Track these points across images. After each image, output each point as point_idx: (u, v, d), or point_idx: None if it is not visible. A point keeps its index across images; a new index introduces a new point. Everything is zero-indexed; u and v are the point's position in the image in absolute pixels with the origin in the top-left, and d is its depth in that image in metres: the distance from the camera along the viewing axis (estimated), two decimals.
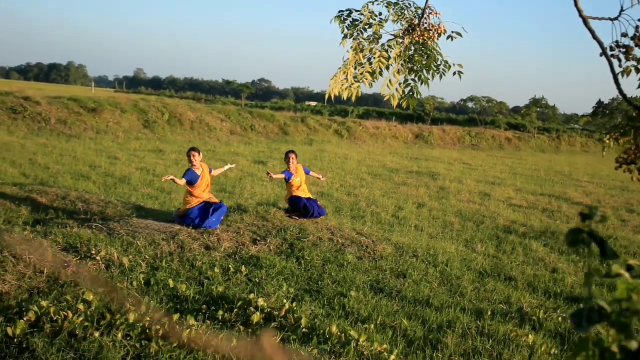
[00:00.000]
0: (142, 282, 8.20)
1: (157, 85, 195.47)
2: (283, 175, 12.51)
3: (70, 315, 6.50)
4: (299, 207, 12.37)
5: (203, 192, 11.39)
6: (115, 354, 6.01)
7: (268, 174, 12.22)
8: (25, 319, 6.41)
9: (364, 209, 16.58)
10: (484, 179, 26.92)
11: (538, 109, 69.17)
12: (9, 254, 8.26)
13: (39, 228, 9.95)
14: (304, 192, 12.63)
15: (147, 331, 6.50)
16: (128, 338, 6.35)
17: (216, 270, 8.99)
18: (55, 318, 6.46)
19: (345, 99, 5.86)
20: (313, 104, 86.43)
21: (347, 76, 5.79)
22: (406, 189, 21.20)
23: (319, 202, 12.96)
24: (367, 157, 32.49)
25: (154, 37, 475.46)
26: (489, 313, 8.59)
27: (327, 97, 5.91)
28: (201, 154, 11.63)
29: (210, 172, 11.74)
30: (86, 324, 6.44)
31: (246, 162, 24.94)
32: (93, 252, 8.75)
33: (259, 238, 10.69)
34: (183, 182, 11.17)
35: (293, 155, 12.70)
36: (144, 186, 17.09)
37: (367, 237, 11.64)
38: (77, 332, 6.27)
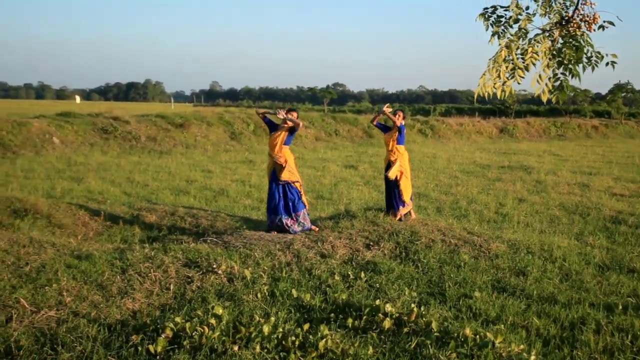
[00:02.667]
0: (267, 294, 8.22)
1: (233, 96, 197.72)
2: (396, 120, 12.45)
3: (206, 330, 6.54)
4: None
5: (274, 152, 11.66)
6: None
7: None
8: (163, 336, 6.48)
9: (465, 207, 16.40)
10: (579, 169, 26.33)
11: (623, 94, 67.39)
12: (133, 272, 8.41)
13: (156, 245, 10.09)
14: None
15: (283, 342, 6.51)
16: (265, 350, 6.36)
17: (336, 277, 8.96)
18: (192, 334, 6.50)
19: (500, 98, 5.74)
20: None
21: (499, 74, 5.66)
22: (502, 185, 20.91)
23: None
24: (455, 155, 32.17)
25: (227, 49, 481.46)
26: (620, 307, 8.33)
27: (475, 96, 5.81)
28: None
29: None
30: (223, 338, 6.47)
31: (336, 167, 24.95)
32: (214, 266, 8.82)
33: (371, 243, 10.63)
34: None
35: (401, 113, 12.64)
36: (242, 197, 17.26)
37: (479, 236, 11.46)
38: (217, 347, 6.31)
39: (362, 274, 9.12)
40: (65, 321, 6.97)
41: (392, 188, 12.42)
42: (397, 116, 12.49)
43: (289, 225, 11.42)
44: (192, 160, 26.64)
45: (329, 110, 71.45)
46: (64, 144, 27.65)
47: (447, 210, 16.05)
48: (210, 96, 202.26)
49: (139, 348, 6.31)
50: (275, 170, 11.61)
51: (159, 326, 6.75)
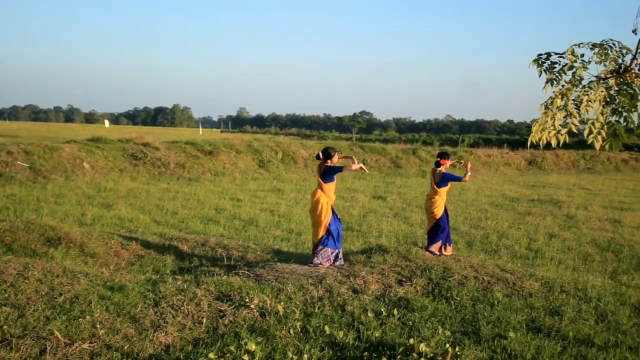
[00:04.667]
0: (299, 330, 8.15)
1: (260, 123, 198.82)
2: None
3: None
4: (442, 231, 12.35)
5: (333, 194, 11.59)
6: None
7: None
8: None
9: (496, 242, 16.27)
10: (610, 204, 26.10)
11: None
12: (166, 305, 8.39)
13: (187, 277, 10.07)
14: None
15: None
16: None
17: (369, 314, 8.87)
18: None
19: (554, 146, 5.71)
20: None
21: (554, 122, 5.64)
22: (532, 219, 20.74)
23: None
24: (483, 187, 32.04)
25: (255, 75, 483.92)
26: None
27: (529, 143, 5.79)
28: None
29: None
30: None
31: (365, 198, 24.88)
32: (246, 300, 8.77)
33: (404, 279, 10.53)
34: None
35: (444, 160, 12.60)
36: (272, 227, 17.24)
37: (512, 274, 11.32)
38: None
39: (395, 311, 9.03)
40: (99, 354, 6.96)
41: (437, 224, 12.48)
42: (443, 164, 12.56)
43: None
44: (220, 187, 26.72)
45: (357, 139, 71.53)
46: (94, 169, 27.85)
47: (477, 244, 15.94)
48: (238, 122, 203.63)
49: None
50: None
51: None
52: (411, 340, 7.59)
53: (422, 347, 7.37)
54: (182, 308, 8.37)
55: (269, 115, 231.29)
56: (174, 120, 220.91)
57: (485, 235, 17.27)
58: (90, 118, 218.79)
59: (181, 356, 7.02)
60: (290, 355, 7.03)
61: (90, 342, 7.17)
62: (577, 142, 71.51)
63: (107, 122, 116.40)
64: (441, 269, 10.98)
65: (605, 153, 56.78)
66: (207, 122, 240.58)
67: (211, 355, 6.72)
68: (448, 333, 8.42)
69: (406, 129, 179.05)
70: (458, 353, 7.37)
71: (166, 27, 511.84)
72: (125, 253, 12.30)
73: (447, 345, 7.51)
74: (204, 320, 8.20)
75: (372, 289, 10.00)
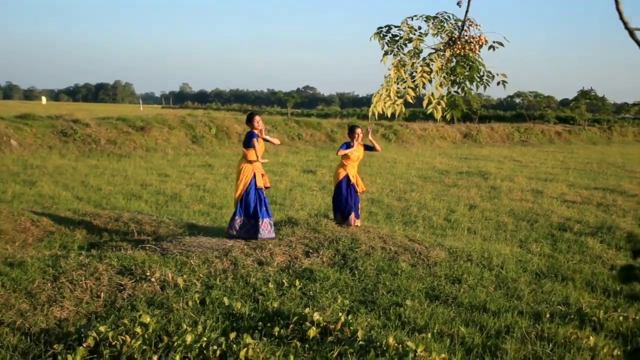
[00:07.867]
0: (198, 302, 8.23)
1: (203, 98, 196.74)
2: (344, 151, 12.25)
3: (129, 339, 6.56)
4: (340, 205, 12.29)
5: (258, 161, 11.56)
6: None
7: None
8: (84, 345, 6.48)
9: (415, 214, 16.46)
10: (536, 176, 26.56)
11: (587, 101, 68.07)
12: (65, 280, 8.39)
13: (93, 252, 10.04)
14: (353, 170, 12.47)
15: (204, 352, 6.53)
16: (186, 359, 6.39)
17: (270, 285, 8.98)
18: (113, 343, 6.51)
19: (389, 116, 5.82)
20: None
21: (389, 93, 5.75)
22: (457, 191, 21.02)
23: (359, 204, 12.66)
24: (415, 160, 32.30)
25: (198, 51, 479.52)
26: (547, 315, 8.43)
27: (370, 114, 5.91)
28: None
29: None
30: (144, 347, 6.48)
31: (295, 172, 24.95)
32: (148, 274, 8.81)
33: (311, 250, 10.66)
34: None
35: (359, 131, 12.41)
36: (194, 202, 17.21)
37: (420, 244, 11.53)
38: (136, 356, 6.32)
39: (297, 282, 9.15)
40: None
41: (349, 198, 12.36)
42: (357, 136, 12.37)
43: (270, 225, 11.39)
44: (150, 164, 26.51)
45: (296, 114, 71.53)
46: (22, 146, 27.41)
47: (397, 216, 16.11)
48: (180, 98, 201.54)
49: (59, 357, 6.31)
50: (255, 176, 11.52)
51: (82, 335, 6.75)
52: (306, 310, 7.73)
53: (316, 316, 7.50)
54: (80, 283, 8.39)
55: (212, 90, 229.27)
56: (115, 96, 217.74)
57: (407, 207, 17.46)
58: (29, 95, 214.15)
59: (72, 330, 7.04)
60: (185, 327, 7.09)
61: None
62: (514, 116, 72.72)
63: (44, 99, 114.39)
64: (349, 240, 11.13)
65: (540, 126, 57.77)
66: (149, 98, 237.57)
67: (102, 328, 6.74)
68: (347, 302, 8.59)
69: (349, 104, 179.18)
70: (350, 321, 7.51)
71: (107, 2, 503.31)
72: (34, 229, 12.18)
73: (340, 314, 7.66)
74: (102, 295, 8.24)
75: (277, 260, 10.12)
